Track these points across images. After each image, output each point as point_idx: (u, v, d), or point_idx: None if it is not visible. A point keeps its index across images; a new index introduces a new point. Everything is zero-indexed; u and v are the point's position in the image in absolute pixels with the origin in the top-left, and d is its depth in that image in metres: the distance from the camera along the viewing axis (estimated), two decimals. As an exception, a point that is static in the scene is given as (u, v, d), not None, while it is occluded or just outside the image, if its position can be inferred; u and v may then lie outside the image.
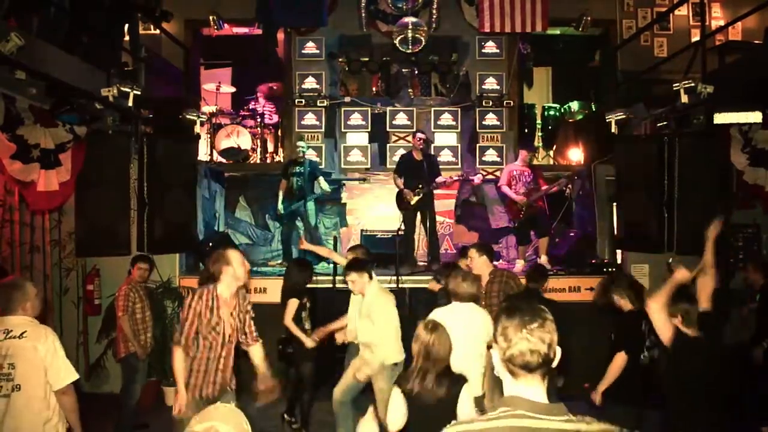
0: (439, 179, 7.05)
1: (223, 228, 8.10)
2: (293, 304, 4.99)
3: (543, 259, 6.96)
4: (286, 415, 5.35)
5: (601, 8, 8.41)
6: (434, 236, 7.30)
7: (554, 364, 1.65)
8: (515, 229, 7.45)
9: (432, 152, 8.07)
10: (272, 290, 5.92)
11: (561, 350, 1.66)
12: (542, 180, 7.15)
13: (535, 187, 7.00)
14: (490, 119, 8.66)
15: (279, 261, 7.69)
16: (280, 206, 7.35)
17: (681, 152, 5.72)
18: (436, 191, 7.30)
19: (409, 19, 7.51)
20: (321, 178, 7.45)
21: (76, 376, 3.16)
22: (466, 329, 3.52)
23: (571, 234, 7.76)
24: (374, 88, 9.56)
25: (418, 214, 7.20)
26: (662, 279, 5.45)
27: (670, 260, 5.60)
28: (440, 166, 7.45)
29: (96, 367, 6.36)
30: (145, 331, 5.16)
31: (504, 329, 1.64)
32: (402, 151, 8.43)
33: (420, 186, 6.98)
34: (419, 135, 7.25)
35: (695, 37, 7.77)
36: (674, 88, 5.46)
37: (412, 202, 7.03)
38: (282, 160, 8.78)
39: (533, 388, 1.62)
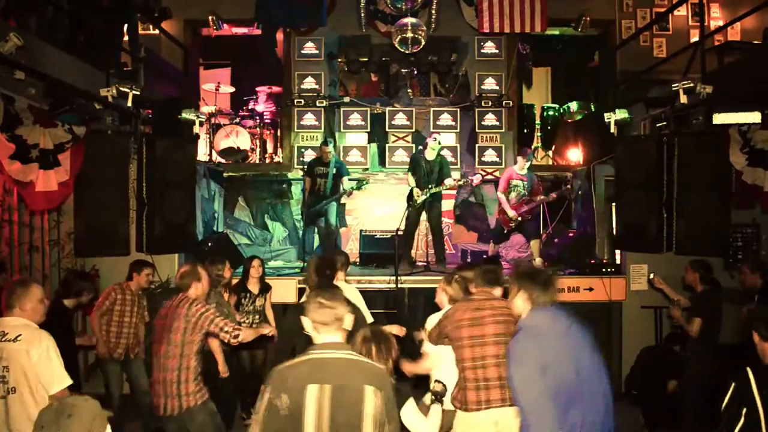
0: (447, 181, 7.07)
1: (222, 228, 8.09)
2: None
3: (537, 261, 7.11)
4: (244, 415, 5.29)
5: (600, 8, 8.41)
6: (440, 237, 7.34)
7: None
8: (494, 231, 7.68)
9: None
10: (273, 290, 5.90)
11: None
12: (538, 190, 7.31)
13: (527, 199, 7.21)
14: (490, 119, 8.65)
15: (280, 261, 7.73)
16: (307, 204, 7.35)
17: (680, 152, 5.72)
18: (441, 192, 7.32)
19: (409, 20, 7.51)
20: (345, 178, 7.42)
21: (69, 382, 3.13)
22: None
23: (571, 234, 7.77)
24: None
25: (424, 213, 7.23)
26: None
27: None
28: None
29: (94, 368, 6.34)
30: (118, 335, 5.04)
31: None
32: (402, 152, 8.46)
33: (429, 186, 7.02)
34: (435, 135, 7.30)
35: (694, 37, 7.76)
36: (673, 89, 5.46)
37: (419, 201, 7.06)
38: (281, 161, 8.80)
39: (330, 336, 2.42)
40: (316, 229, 7.61)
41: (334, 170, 7.36)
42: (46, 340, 3.10)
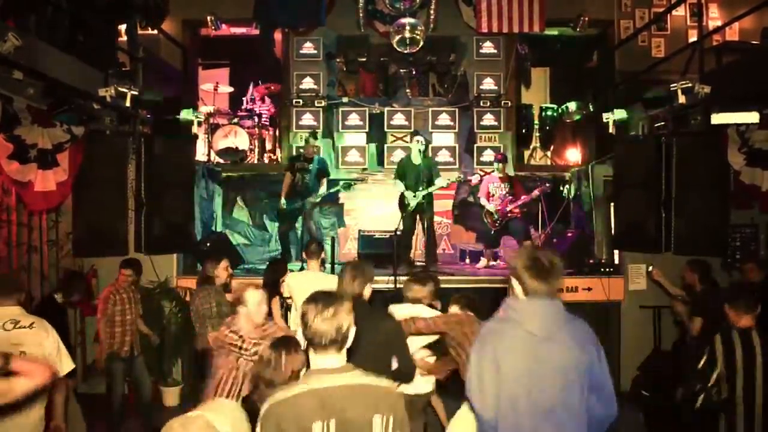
0: (438, 181, 7.08)
1: (221, 228, 8.09)
2: (276, 302, 5.12)
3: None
4: None
5: (599, 8, 8.40)
6: (432, 238, 7.33)
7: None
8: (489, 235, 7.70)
9: (430, 153, 8.09)
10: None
11: None
12: (519, 190, 7.37)
13: (510, 198, 7.29)
14: (488, 119, 8.66)
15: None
16: (282, 202, 7.25)
17: (678, 152, 5.73)
18: (435, 192, 7.31)
19: (407, 20, 7.50)
20: (325, 180, 7.40)
21: (74, 365, 3.41)
22: None
23: (569, 234, 7.77)
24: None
25: (418, 215, 7.22)
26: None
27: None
28: (438, 167, 7.45)
29: (92, 368, 6.34)
30: (123, 334, 5.12)
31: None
32: (400, 152, 8.46)
33: (420, 188, 7.02)
34: (417, 137, 7.31)
35: (693, 37, 7.77)
36: (672, 89, 5.47)
37: (412, 204, 7.05)
38: (279, 161, 8.79)
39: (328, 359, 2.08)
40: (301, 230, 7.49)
41: (317, 167, 7.24)
42: (51, 327, 3.28)
